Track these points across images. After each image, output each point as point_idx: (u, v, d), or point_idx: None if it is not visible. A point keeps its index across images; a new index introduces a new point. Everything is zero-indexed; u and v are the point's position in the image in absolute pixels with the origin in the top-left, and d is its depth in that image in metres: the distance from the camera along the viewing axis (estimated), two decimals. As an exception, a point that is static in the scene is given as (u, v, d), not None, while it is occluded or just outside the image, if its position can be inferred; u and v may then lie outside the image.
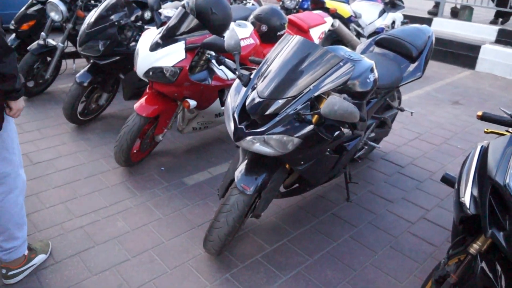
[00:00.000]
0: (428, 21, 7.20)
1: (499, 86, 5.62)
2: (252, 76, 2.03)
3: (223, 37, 2.96)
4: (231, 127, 1.94)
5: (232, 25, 3.15)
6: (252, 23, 3.38)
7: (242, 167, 2.08)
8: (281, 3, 6.22)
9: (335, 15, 4.96)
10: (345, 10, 5.04)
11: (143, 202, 2.78)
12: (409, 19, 7.35)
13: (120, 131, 2.88)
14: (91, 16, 3.37)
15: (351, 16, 5.11)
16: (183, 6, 2.76)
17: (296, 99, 1.87)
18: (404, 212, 2.85)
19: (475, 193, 1.41)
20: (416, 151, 3.70)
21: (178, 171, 3.18)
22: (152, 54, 2.71)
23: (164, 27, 2.77)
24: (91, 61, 3.53)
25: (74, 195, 2.81)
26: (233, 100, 2.00)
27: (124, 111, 4.14)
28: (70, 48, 4.41)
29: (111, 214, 2.65)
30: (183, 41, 2.73)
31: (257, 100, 1.88)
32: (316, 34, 3.68)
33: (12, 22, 4.64)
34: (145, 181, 3.01)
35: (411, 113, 3.05)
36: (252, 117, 1.94)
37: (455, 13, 7.28)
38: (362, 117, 2.03)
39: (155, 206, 2.74)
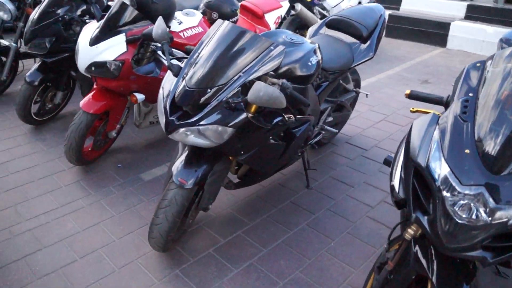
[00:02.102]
0: (397, 1, 7.14)
1: (470, 63, 5.58)
2: (183, 65, 1.94)
3: (169, 27, 2.87)
4: (162, 119, 1.87)
5: (179, 14, 3.05)
6: (203, 12, 3.28)
7: (180, 160, 2.02)
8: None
9: (297, -1, 4.86)
10: (308, -7, 4.94)
11: (96, 201, 2.70)
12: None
13: (68, 129, 2.78)
14: (35, 13, 3.25)
15: (314, -1, 5.02)
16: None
17: (226, 87, 1.80)
18: (365, 196, 2.80)
19: (404, 176, 1.35)
20: (382, 133, 3.65)
21: (135, 166, 3.10)
22: (92, 49, 2.61)
23: (103, 20, 2.67)
24: (40, 59, 3.41)
25: (25, 198, 2.73)
26: (164, 91, 1.92)
27: (84, 108, 4.02)
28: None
29: (62, 215, 2.57)
30: (124, 34, 2.63)
31: (186, 90, 1.80)
32: (272, 19, 3.60)
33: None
34: (100, 179, 2.93)
35: (366, 95, 2.99)
36: (185, 108, 1.86)
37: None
38: (304, 102, 1.97)
39: (108, 204, 2.67)
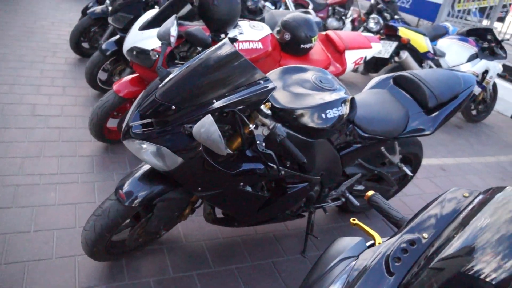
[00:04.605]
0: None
1: (454, 187, 4.37)
2: (173, 71, 1.72)
3: (227, 33, 2.69)
4: (124, 122, 1.67)
5: (245, 23, 2.84)
6: (278, 30, 3.03)
7: (135, 171, 1.80)
8: (364, 24, 5.69)
9: (407, 45, 4.30)
10: (421, 43, 4.33)
11: (91, 182, 2.64)
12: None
13: (94, 104, 2.78)
14: (128, -12, 3.36)
15: (428, 52, 4.38)
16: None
17: (192, 110, 1.52)
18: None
19: None
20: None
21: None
22: (139, 34, 2.56)
23: (160, 8, 2.59)
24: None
25: (39, 154, 2.80)
26: (142, 94, 1.72)
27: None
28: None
29: (53, 182, 2.56)
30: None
31: (153, 99, 1.58)
32: (353, 57, 3.17)
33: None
34: (112, 162, 2.88)
35: (410, 176, 2.41)
36: (151, 120, 1.64)
37: None
38: (298, 158, 1.60)
39: (99, 189, 2.58)
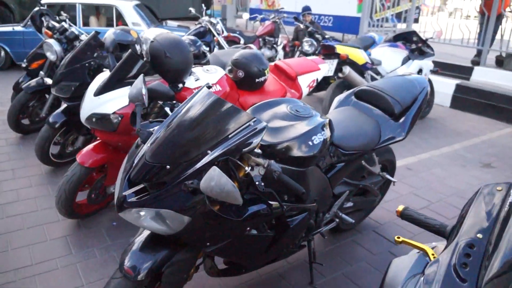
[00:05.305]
0: (468, 71, 6.52)
1: (488, 183, 4.79)
2: (155, 131, 1.66)
3: (184, 82, 2.67)
4: (116, 193, 1.58)
5: (199, 69, 2.85)
6: (230, 70, 3.06)
7: (136, 241, 1.69)
8: (299, 48, 5.94)
9: (346, 61, 4.54)
10: (358, 56, 4.60)
11: (72, 264, 2.44)
12: (447, 67, 6.74)
13: (60, 180, 2.61)
14: (67, 57, 3.26)
15: (367, 63, 4.64)
16: (132, 49, 2.51)
17: (188, 165, 1.48)
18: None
19: None
20: (421, 223, 3.07)
21: (131, 227, 2.83)
22: (95, 99, 2.47)
23: (112, 71, 2.53)
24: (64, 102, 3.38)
25: (6, 247, 2.55)
26: (127, 160, 1.64)
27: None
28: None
29: (30, 274, 2.33)
30: (129, 86, 2.46)
31: (144, 163, 1.51)
32: (306, 82, 3.28)
33: (24, 60, 4.74)
34: (88, 237, 2.69)
35: (393, 182, 2.49)
36: (143, 184, 1.56)
37: (500, 62, 6.54)
38: (298, 190, 1.59)
39: (83, 270, 2.39)
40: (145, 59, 2.70)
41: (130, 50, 2.53)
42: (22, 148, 4.06)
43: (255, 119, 1.54)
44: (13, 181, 3.38)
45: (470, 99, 6.01)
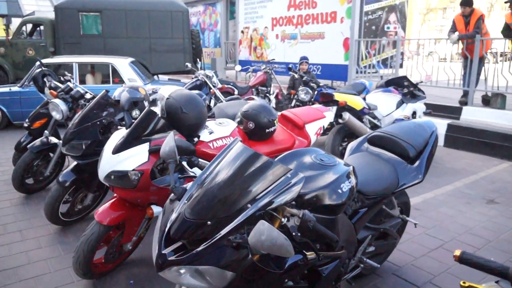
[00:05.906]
0: (457, 110, 6.77)
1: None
2: (189, 187, 1.69)
3: (199, 136, 2.73)
4: (154, 252, 1.58)
5: (211, 123, 2.93)
6: (240, 121, 3.15)
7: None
8: (295, 96, 6.12)
9: (345, 107, 4.70)
10: (356, 102, 4.77)
11: (93, 328, 2.36)
12: (437, 108, 6.98)
13: (78, 240, 2.58)
14: (78, 116, 3.32)
15: (364, 108, 4.81)
16: (150, 105, 2.58)
17: (229, 220, 1.50)
18: None
19: None
20: (438, 265, 3.07)
21: (148, 285, 2.77)
22: (114, 157, 2.50)
23: (130, 128, 2.58)
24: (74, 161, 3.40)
25: (21, 315, 2.47)
26: (163, 218, 1.66)
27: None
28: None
29: None
30: (148, 143, 2.51)
31: (183, 220, 1.53)
32: (313, 129, 3.38)
33: (26, 120, 4.79)
34: (106, 298, 2.62)
35: (415, 224, 2.53)
36: (182, 241, 1.57)
37: (486, 101, 6.82)
38: (332, 238, 1.61)
39: (105, 334, 2.31)
40: (159, 115, 2.77)
41: (148, 107, 2.60)
42: (27, 209, 4.00)
43: (292, 170, 1.59)
44: (22, 243, 3.31)
45: (462, 138, 6.19)
